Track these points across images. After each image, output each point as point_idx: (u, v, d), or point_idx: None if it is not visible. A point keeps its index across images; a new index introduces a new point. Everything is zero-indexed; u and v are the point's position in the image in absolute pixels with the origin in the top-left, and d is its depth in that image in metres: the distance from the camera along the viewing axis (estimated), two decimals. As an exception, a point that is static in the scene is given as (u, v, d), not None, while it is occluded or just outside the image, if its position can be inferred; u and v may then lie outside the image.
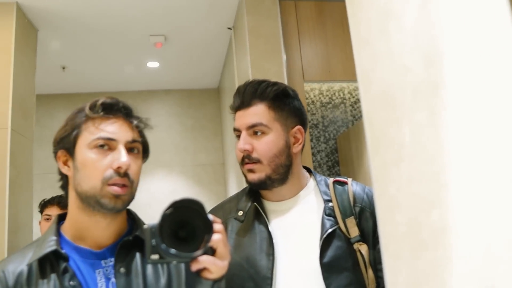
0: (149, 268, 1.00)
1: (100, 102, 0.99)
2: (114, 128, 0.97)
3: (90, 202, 0.95)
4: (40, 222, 2.54)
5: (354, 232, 1.13)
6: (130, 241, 1.00)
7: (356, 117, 3.48)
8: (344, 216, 1.14)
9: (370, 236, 1.14)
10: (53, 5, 3.06)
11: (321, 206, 1.18)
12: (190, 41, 3.83)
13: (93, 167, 0.94)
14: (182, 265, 1.01)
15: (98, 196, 0.93)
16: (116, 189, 0.93)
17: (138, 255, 1.00)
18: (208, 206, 0.92)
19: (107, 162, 0.94)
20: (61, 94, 4.85)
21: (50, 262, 0.94)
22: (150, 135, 1.08)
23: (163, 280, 0.99)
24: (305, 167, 1.28)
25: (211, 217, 0.88)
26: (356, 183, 1.24)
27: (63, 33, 3.49)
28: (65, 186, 1.04)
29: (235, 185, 3.97)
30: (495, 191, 0.44)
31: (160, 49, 3.88)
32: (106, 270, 0.97)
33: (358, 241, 1.12)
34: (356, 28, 0.75)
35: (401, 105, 0.60)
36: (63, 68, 4.17)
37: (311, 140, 3.34)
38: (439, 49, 0.51)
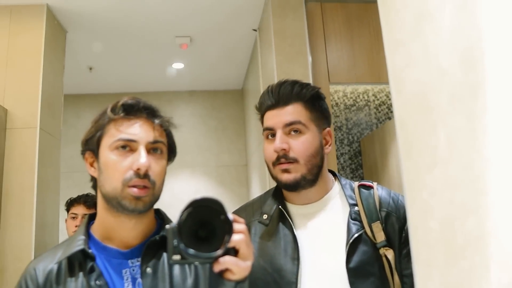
0: (176, 268, 1.00)
1: (120, 103, 0.98)
2: (135, 129, 0.97)
3: (113, 203, 0.95)
4: (66, 220, 2.58)
5: (380, 237, 1.11)
6: (157, 241, 0.99)
7: (381, 120, 3.44)
8: (370, 221, 1.13)
9: (396, 241, 1.13)
10: (82, 7, 3.12)
11: (346, 210, 1.17)
12: (215, 42, 3.85)
13: (114, 168, 0.95)
14: (208, 266, 1.01)
15: (119, 198, 0.94)
16: (135, 191, 0.93)
17: (165, 255, 0.99)
18: (230, 207, 0.90)
19: (128, 164, 0.94)
20: (87, 94, 4.94)
21: (79, 261, 0.95)
22: (173, 136, 1.07)
23: (189, 281, 0.99)
24: (329, 170, 1.27)
25: (231, 217, 0.85)
26: (381, 187, 1.23)
27: (91, 35, 3.55)
28: (95, 187, 1.04)
29: (258, 186, 3.96)
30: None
31: (185, 51, 3.90)
32: (133, 270, 0.97)
33: (384, 246, 1.11)
34: (389, 29, 0.74)
35: (436, 108, 0.59)
36: (90, 68, 4.24)
37: (335, 143, 3.32)
38: (479, 51, 0.49)
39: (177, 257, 0.82)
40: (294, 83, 1.19)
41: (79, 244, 0.96)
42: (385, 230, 1.13)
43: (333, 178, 1.26)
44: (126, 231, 0.99)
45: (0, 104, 2.72)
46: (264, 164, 1.24)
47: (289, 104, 1.16)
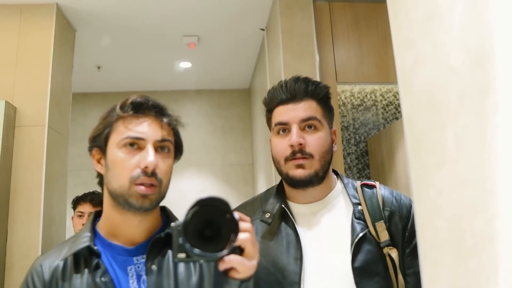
0: (181, 266, 1.00)
1: (130, 101, 0.99)
2: (143, 127, 0.97)
3: (120, 200, 0.96)
4: (72, 218, 2.60)
5: (384, 236, 1.11)
6: (162, 238, 1.00)
7: (388, 120, 3.43)
8: (374, 220, 1.13)
9: (400, 240, 1.13)
10: (91, 6, 3.13)
11: (350, 209, 1.16)
12: (222, 41, 3.85)
13: (121, 166, 0.95)
14: (213, 264, 1.01)
15: (126, 195, 0.94)
16: (142, 189, 0.93)
17: (170, 252, 1.00)
18: (236, 206, 0.90)
19: (135, 162, 0.95)
20: (95, 93, 4.96)
21: (84, 258, 0.96)
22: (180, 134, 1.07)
23: (194, 279, 0.99)
24: (332, 170, 1.27)
25: (237, 215, 0.85)
26: (384, 186, 1.22)
27: (99, 34, 3.57)
28: (101, 183, 1.05)
29: (264, 185, 3.96)
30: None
31: (193, 50, 3.91)
32: (138, 267, 0.97)
33: (387, 245, 1.11)
34: (398, 28, 0.74)
35: (445, 107, 0.59)
36: (98, 67, 4.27)
37: (342, 142, 3.31)
38: (490, 50, 0.49)
39: (182, 255, 0.81)
40: (308, 80, 1.19)
41: (84, 241, 0.97)
42: (388, 229, 1.12)
43: (335, 177, 1.26)
44: (131, 228, 0.99)
45: (9, 102, 2.74)
46: (270, 163, 1.23)
47: (304, 100, 1.16)
